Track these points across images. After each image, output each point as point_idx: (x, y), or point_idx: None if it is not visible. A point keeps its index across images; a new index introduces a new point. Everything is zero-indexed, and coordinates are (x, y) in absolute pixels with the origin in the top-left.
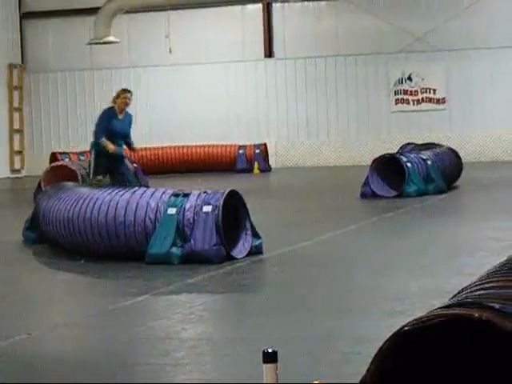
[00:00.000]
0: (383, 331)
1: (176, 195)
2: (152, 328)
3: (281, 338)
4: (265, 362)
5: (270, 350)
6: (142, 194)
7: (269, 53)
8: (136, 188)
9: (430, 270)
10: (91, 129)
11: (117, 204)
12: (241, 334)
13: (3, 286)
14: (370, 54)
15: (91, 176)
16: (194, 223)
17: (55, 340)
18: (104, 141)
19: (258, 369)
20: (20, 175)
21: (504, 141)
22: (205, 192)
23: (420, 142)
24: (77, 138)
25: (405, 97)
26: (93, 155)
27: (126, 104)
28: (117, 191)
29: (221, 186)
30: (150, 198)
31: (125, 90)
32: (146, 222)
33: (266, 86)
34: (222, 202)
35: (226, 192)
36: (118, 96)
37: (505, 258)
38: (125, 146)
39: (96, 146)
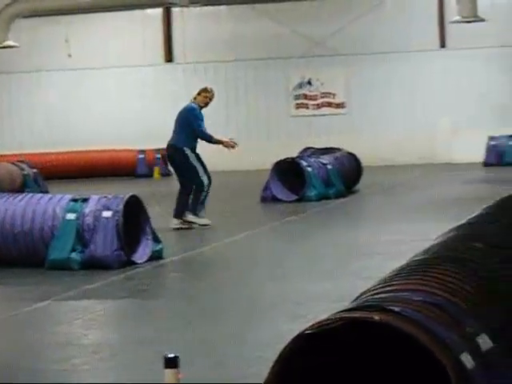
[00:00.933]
0: (285, 335)
1: (75, 200)
2: (53, 334)
3: (182, 343)
4: (166, 367)
5: (170, 356)
6: (39, 199)
7: (169, 57)
8: (33, 194)
9: (330, 274)
10: None
11: (14, 212)
12: (142, 339)
13: None
14: (269, 59)
15: (206, 180)
16: (94, 228)
17: None
18: (217, 138)
19: (159, 374)
20: None
21: (402, 145)
22: (105, 197)
23: (320, 147)
24: None
25: (305, 101)
26: (193, 156)
27: (207, 103)
28: (13, 198)
29: (121, 191)
30: (48, 204)
31: (206, 89)
32: (44, 228)
33: (165, 90)
34: (122, 207)
35: (127, 197)
36: (199, 93)
37: (404, 261)
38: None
39: (191, 146)
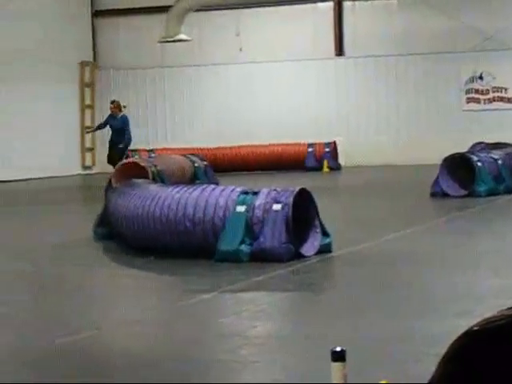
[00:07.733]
0: (455, 331)
1: (245, 193)
2: (220, 325)
3: (350, 337)
4: (333, 360)
5: (338, 349)
6: (211, 191)
7: (339, 51)
8: (205, 185)
9: (498, 272)
10: (161, 127)
11: (186, 202)
12: (309, 332)
13: (72, 281)
14: (440, 53)
15: None
16: (264, 221)
17: (123, 336)
18: None
19: (326, 367)
20: (91, 172)
21: None
22: (275, 190)
23: (491, 142)
24: (146, 136)
25: (476, 96)
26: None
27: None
28: (186, 189)
29: (290, 184)
30: (219, 196)
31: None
32: (214, 219)
33: (336, 84)
34: (291, 200)
35: (296, 190)
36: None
37: None
38: None
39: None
